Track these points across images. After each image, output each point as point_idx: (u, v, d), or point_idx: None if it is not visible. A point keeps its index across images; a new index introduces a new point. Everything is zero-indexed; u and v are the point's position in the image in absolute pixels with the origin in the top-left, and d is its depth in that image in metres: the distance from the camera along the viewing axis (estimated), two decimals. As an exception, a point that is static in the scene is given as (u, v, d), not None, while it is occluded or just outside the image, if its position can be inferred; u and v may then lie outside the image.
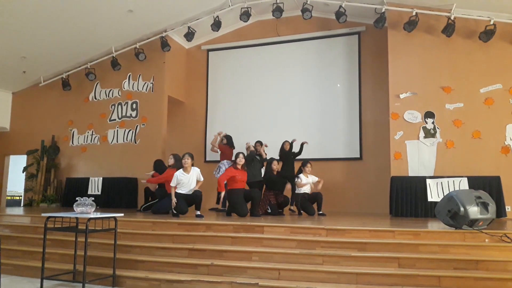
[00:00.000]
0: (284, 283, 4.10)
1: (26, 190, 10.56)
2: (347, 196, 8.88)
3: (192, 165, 6.57)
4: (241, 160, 6.80)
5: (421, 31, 7.96)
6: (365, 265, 4.31)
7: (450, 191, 6.29)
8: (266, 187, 7.52)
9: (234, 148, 8.36)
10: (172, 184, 6.40)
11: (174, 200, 6.31)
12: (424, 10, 7.86)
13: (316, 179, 7.54)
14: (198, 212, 6.30)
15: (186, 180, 6.43)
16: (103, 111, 10.25)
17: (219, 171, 8.07)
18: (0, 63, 9.76)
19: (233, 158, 7.35)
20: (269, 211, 7.32)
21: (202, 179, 6.61)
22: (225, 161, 8.09)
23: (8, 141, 11.05)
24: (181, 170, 6.47)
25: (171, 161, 7.38)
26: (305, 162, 7.59)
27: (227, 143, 8.38)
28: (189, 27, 9.29)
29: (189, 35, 9.31)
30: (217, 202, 7.83)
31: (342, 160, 9.12)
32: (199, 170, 6.61)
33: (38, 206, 9.80)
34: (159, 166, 7.86)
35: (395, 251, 4.47)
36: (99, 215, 4.30)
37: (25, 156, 10.67)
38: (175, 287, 4.28)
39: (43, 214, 4.65)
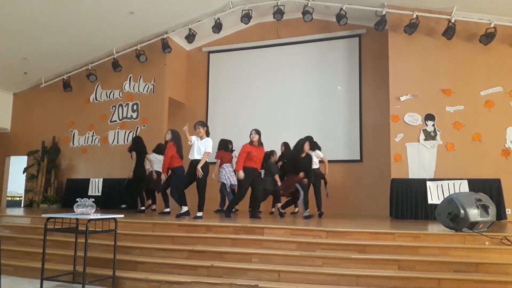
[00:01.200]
0: (284, 285, 4.10)
1: (27, 191, 10.56)
2: (347, 198, 8.88)
3: (207, 134, 6.52)
4: (254, 136, 6.64)
5: (422, 33, 7.97)
6: (365, 267, 4.30)
7: (450, 193, 6.28)
8: (290, 169, 7.06)
9: (230, 151, 8.03)
10: (190, 141, 6.46)
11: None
12: (424, 12, 7.87)
13: (320, 154, 7.39)
14: (199, 214, 6.27)
15: (196, 143, 6.44)
16: (104, 112, 10.26)
17: (222, 174, 7.94)
18: (1, 64, 9.78)
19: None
20: (300, 191, 6.81)
21: (208, 150, 6.37)
22: (224, 164, 7.79)
23: (8, 142, 11.06)
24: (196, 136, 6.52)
25: (168, 136, 7.07)
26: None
27: (220, 147, 8.04)
28: (190, 29, 9.31)
29: (190, 37, 9.34)
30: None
31: (342, 162, 9.10)
32: (210, 142, 6.44)
33: (38, 207, 9.80)
34: (137, 143, 8.02)
35: (395, 253, 4.46)
36: (99, 216, 4.30)
37: (25, 157, 10.69)
38: (175, 288, 4.28)
39: (43, 215, 4.65)
